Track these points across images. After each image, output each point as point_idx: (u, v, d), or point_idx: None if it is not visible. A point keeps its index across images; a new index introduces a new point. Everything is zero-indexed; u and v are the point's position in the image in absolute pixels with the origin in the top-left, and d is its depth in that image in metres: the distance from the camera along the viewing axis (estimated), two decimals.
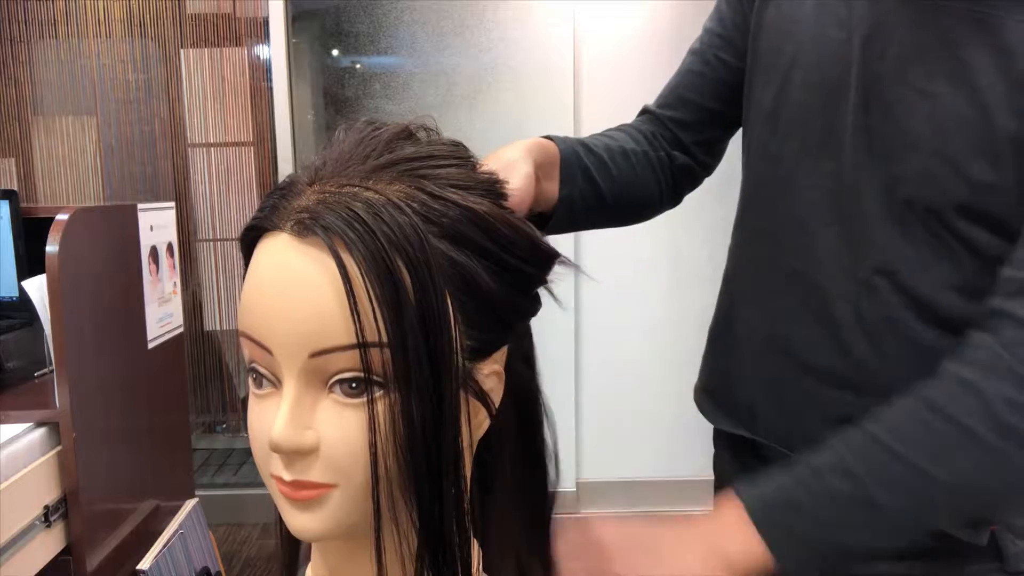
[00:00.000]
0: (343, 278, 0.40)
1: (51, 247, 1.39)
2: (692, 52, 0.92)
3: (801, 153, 0.76)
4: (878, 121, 0.70)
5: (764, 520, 0.63)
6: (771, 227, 0.80)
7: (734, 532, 0.63)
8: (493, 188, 0.48)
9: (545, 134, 0.80)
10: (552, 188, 0.76)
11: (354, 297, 0.40)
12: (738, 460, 0.89)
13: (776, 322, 0.79)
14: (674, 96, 0.92)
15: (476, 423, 0.46)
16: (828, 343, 0.75)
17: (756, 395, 0.83)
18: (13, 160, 2.79)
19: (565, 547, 0.61)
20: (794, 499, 0.63)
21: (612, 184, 0.83)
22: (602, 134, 0.90)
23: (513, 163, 0.68)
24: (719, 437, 0.94)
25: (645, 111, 0.95)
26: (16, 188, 2.77)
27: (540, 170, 0.71)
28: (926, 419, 0.62)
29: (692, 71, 0.91)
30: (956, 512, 0.66)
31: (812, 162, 0.75)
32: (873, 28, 0.70)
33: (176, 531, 1.64)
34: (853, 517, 0.62)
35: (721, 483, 0.94)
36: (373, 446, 0.41)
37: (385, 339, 0.41)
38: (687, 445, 2.72)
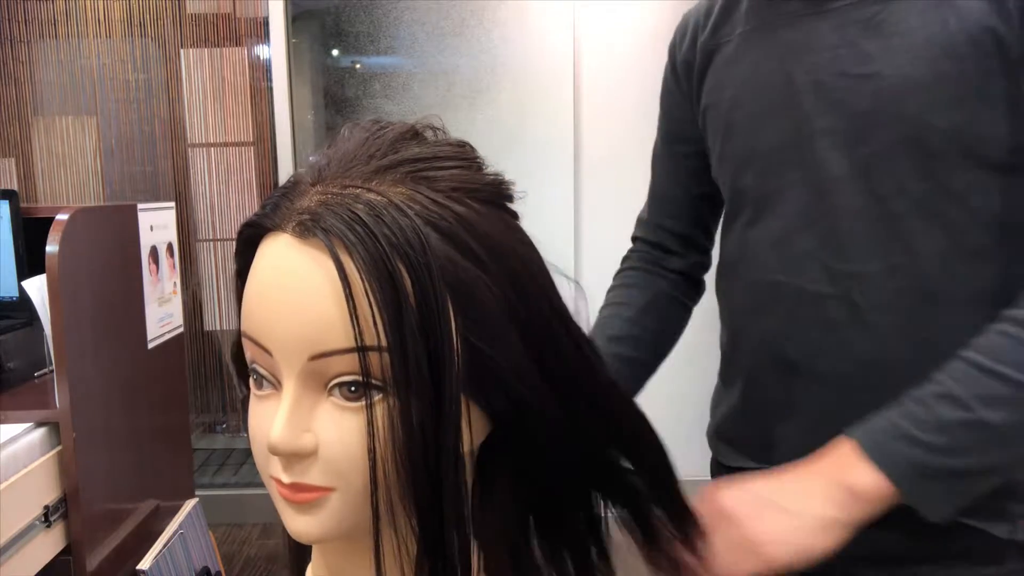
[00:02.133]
0: (343, 281, 0.40)
1: (51, 247, 1.39)
2: (655, 157, 0.99)
3: (764, 178, 0.79)
4: (834, 116, 0.73)
5: (879, 453, 0.64)
6: (744, 254, 0.83)
7: (853, 467, 0.64)
8: (499, 190, 0.48)
9: None
10: None
11: (354, 300, 0.40)
12: None
13: (775, 341, 0.80)
14: (656, 200, 0.98)
15: (477, 428, 0.45)
16: (828, 346, 0.75)
17: (770, 422, 0.82)
18: (13, 160, 2.79)
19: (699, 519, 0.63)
20: (905, 431, 0.64)
21: (651, 351, 0.91)
22: (615, 300, 0.95)
23: None
24: (724, 472, 0.92)
25: (639, 223, 1.00)
26: (16, 188, 2.77)
27: None
28: (1016, 334, 0.63)
29: (663, 171, 0.97)
30: None
31: (777, 180, 0.77)
32: (800, 47, 0.75)
33: (176, 531, 1.63)
34: (966, 440, 0.63)
35: None
36: (372, 450, 0.41)
37: (384, 343, 0.40)
38: (687, 445, 2.71)
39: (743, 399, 0.85)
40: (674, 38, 0.92)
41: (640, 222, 1.00)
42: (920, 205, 0.70)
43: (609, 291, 0.97)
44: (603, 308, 0.95)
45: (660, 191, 0.98)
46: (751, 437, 0.85)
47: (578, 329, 0.49)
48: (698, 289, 0.99)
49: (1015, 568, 0.72)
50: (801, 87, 0.75)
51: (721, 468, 0.92)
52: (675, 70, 0.92)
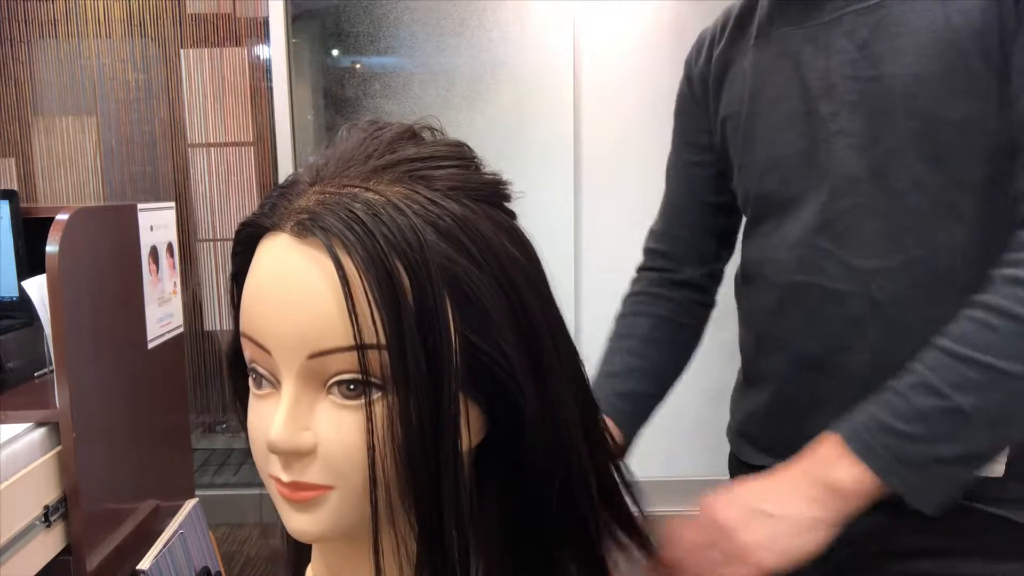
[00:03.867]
0: (341, 280, 0.40)
1: (51, 247, 1.39)
2: (669, 168, 0.99)
3: (786, 184, 0.81)
4: (849, 118, 0.75)
5: (861, 445, 0.65)
6: (767, 257, 0.84)
7: (836, 463, 0.65)
8: (497, 190, 0.48)
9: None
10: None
11: (352, 299, 0.40)
12: None
13: (799, 340, 0.81)
14: (672, 209, 0.99)
15: (475, 428, 0.45)
16: (853, 342, 0.76)
17: (797, 421, 0.82)
18: (13, 160, 2.79)
19: (695, 536, 0.67)
20: (886, 423, 0.65)
21: (655, 382, 0.93)
22: (620, 332, 0.96)
23: None
24: (746, 470, 0.92)
25: (651, 236, 1.01)
26: (16, 188, 2.77)
27: None
28: (989, 321, 0.64)
29: (677, 180, 0.98)
30: None
31: (799, 185, 0.79)
32: (812, 55, 0.77)
33: (176, 531, 1.63)
34: (944, 427, 0.64)
35: None
36: (371, 448, 0.41)
37: (383, 341, 0.40)
38: (687, 445, 2.72)
39: (769, 399, 0.86)
40: (690, 54, 0.95)
41: (652, 233, 1.01)
42: (936, 198, 0.71)
43: (616, 319, 0.98)
44: (609, 339, 0.96)
45: (674, 202, 0.99)
46: (776, 436, 0.86)
47: (567, 335, 0.49)
48: (709, 302, 1.00)
49: None
50: (816, 93, 0.77)
51: (743, 466, 0.93)
52: (691, 84, 0.94)
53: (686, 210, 0.97)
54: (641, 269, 1.01)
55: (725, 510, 0.67)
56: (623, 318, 0.98)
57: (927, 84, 0.70)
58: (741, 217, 0.95)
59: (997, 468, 0.71)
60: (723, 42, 0.88)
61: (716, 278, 1.00)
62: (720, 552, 0.66)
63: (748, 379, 0.92)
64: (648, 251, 1.01)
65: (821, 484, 0.65)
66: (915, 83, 0.71)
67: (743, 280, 0.91)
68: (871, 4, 0.74)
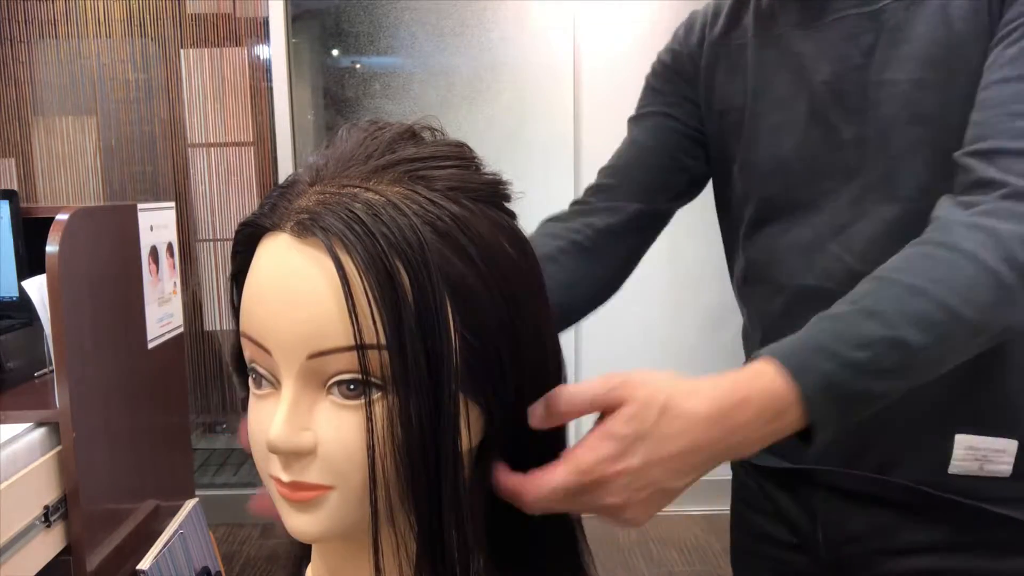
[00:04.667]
0: (341, 280, 0.40)
1: (51, 247, 1.39)
2: (636, 118, 0.93)
3: (795, 188, 0.80)
4: (860, 124, 0.74)
5: (799, 367, 0.55)
6: (775, 259, 0.83)
7: (764, 389, 0.54)
8: (496, 190, 0.48)
9: None
10: None
11: (352, 299, 0.40)
12: (772, 493, 0.88)
13: None
14: (634, 149, 0.91)
15: (475, 428, 0.45)
16: None
17: None
18: (13, 160, 2.79)
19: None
20: (828, 347, 0.56)
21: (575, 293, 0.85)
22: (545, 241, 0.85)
23: None
24: (756, 472, 0.90)
25: (605, 172, 0.92)
26: (16, 188, 2.77)
27: None
28: (955, 261, 0.59)
29: (646, 127, 0.91)
30: (974, 347, 0.62)
31: (809, 190, 0.79)
32: (814, 57, 0.77)
33: (176, 531, 1.63)
34: (887, 360, 0.57)
35: (743, 509, 0.94)
36: (371, 448, 0.41)
37: (383, 341, 0.40)
38: None
39: None
40: (678, 31, 0.92)
41: (595, 182, 0.91)
42: None
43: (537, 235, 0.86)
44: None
45: (632, 147, 0.91)
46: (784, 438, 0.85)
47: (556, 339, 0.50)
48: (640, 240, 0.91)
49: None
50: (824, 98, 0.77)
51: (744, 467, 0.92)
52: (679, 58, 0.90)
53: (646, 154, 0.90)
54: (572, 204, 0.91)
55: (623, 471, 0.50)
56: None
57: (930, 90, 0.71)
58: (698, 189, 0.92)
59: (1003, 468, 0.71)
60: (717, 29, 0.87)
61: (656, 227, 0.91)
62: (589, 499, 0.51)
63: None
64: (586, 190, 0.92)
65: (739, 416, 0.53)
66: (918, 90, 0.71)
67: (746, 280, 0.90)
68: (873, 8, 0.74)
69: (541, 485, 0.48)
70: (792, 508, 0.84)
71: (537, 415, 0.48)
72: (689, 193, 0.93)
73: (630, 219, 0.88)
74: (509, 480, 0.49)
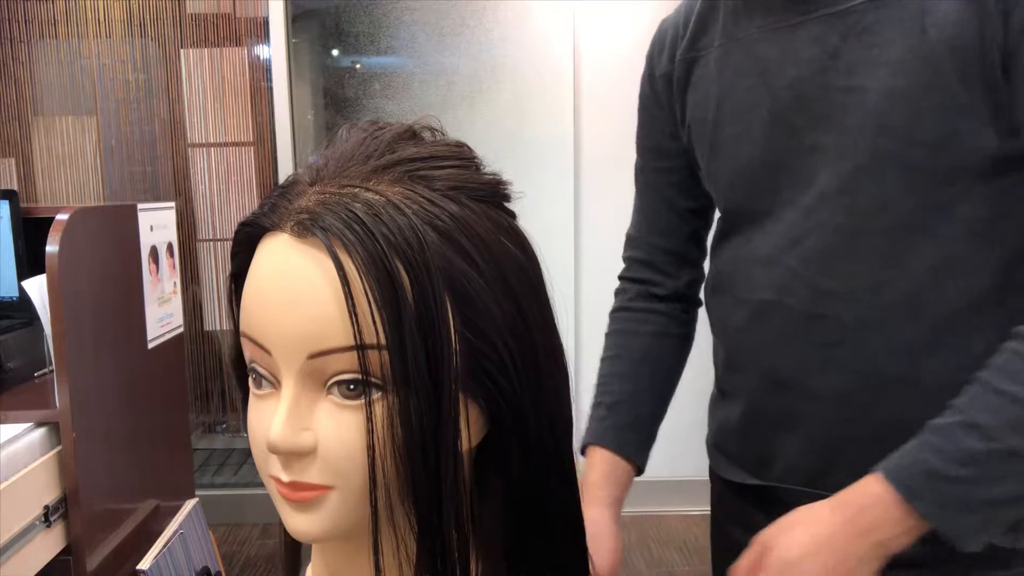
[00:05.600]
0: (341, 280, 0.40)
1: (51, 247, 1.39)
2: (638, 171, 0.97)
3: (755, 198, 0.79)
4: (822, 131, 0.72)
5: (908, 492, 0.62)
6: (737, 271, 0.82)
7: (883, 514, 0.64)
8: (496, 190, 0.48)
9: (602, 442, 0.90)
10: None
11: (352, 299, 0.40)
12: (744, 499, 0.88)
13: (768, 358, 0.79)
14: (645, 217, 0.96)
15: (475, 428, 0.45)
16: (820, 363, 0.74)
17: (767, 439, 0.81)
18: (13, 160, 2.79)
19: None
20: (932, 467, 0.62)
21: (654, 400, 0.93)
22: (611, 353, 0.96)
23: (597, 537, 0.78)
24: (729, 487, 0.92)
25: (629, 243, 0.99)
26: (16, 188, 2.77)
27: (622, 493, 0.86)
28: None
29: (647, 185, 0.95)
30: None
31: (769, 199, 0.77)
32: (779, 61, 0.74)
33: (176, 531, 1.63)
34: (996, 471, 0.62)
35: (722, 521, 0.95)
36: (371, 448, 0.41)
37: (383, 341, 0.40)
38: (687, 445, 2.71)
39: (740, 415, 0.84)
40: (651, 49, 0.92)
41: (629, 239, 0.98)
42: (906, 219, 0.69)
43: (607, 336, 0.97)
44: (602, 360, 0.95)
45: (647, 207, 0.96)
46: (749, 453, 0.85)
47: (558, 338, 0.50)
48: (695, 303, 0.98)
49: (1021, 572, 0.71)
50: (786, 103, 0.74)
51: (719, 480, 0.92)
52: (653, 83, 0.91)
53: (659, 216, 0.95)
54: (623, 279, 0.99)
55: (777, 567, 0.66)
56: (614, 336, 0.96)
57: (901, 101, 0.67)
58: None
59: None
60: (686, 39, 0.85)
61: (699, 280, 0.97)
62: None
63: (720, 391, 0.91)
64: (628, 260, 0.99)
65: (869, 541, 0.63)
66: (888, 99, 0.67)
67: (713, 291, 0.89)
68: (841, 9, 0.70)
69: None
70: (765, 524, 0.84)
71: None
72: (711, 221, 0.95)
73: (680, 288, 0.96)
74: None
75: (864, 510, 0.64)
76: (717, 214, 0.88)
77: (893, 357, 0.70)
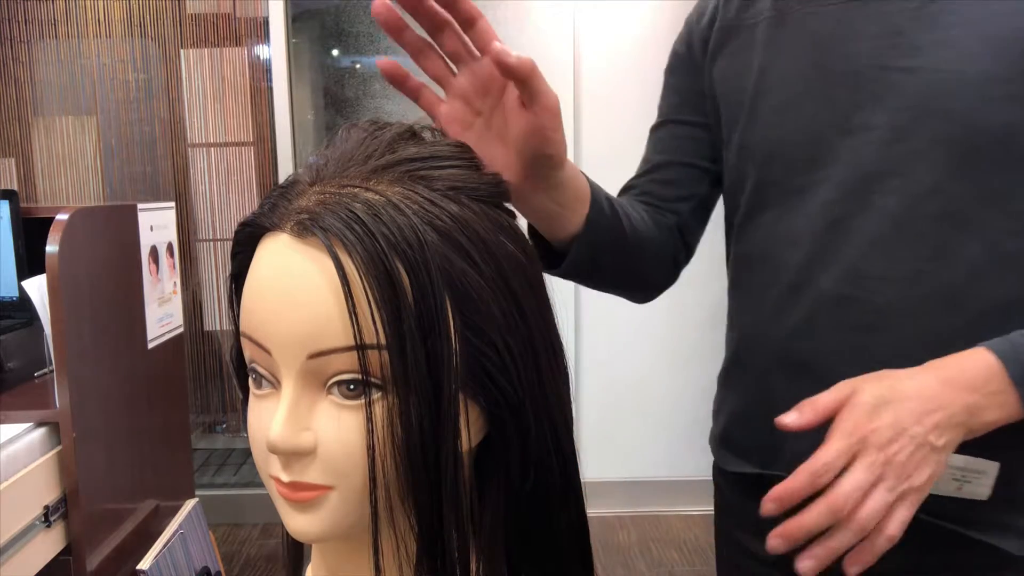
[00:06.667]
0: (341, 280, 0.40)
1: (51, 247, 1.39)
2: (653, 128, 0.92)
3: (790, 173, 0.76)
4: (873, 110, 0.70)
5: (1019, 372, 0.61)
6: (767, 251, 0.79)
7: (985, 380, 0.61)
8: (497, 190, 0.48)
9: None
10: (576, 211, 0.71)
11: (352, 299, 0.40)
12: (752, 499, 0.85)
13: (792, 341, 0.76)
14: (649, 164, 0.90)
15: (475, 428, 0.45)
16: (846, 348, 0.72)
17: (775, 429, 0.76)
18: (13, 160, 2.79)
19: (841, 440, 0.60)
20: None
21: (632, 228, 0.79)
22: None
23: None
24: (729, 480, 0.89)
25: (625, 188, 0.91)
26: (16, 188, 2.77)
27: (573, 171, 0.68)
28: None
29: (661, 139, 0.90)
30: None
31: (805, 176, 0.74)
32: (834, 35, 0.72)
33: (176, 531, 1.63)
34: None
35: (726, 525, 0.91)
36: (371, 448, 0.41)
37: (383, 341, 0.40)
38: (687, 445, 2.72)
39: (748, 401, 0.83)
40: (691, 14, 0.89)
41: (625, 189, 0.91)
42: (957, 208, 0.67)
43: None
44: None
45: (657, 159, 0.90)
46: (755, 441, 0.82)
47: (558, 338, 0.50)
48: (676, 259, 0.89)
49: None
50: (837, 78, 0.71)
51: (723, 474, 0.90)
52: (691, 45, 0.87)
53: (669, 166, 0.88)
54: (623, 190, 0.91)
55: (879, 426, 0.60)
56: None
57: (967, 86, 0.65)
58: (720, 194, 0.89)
59: (982, 491, 0.68)
60: (732, 9, 0.82)
61: (689, 245, 0.90)
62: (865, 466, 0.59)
63: (728, 380, 0.88)
64: (625, 187, 0.91)
65: (964, 401, 0.61)
66: (957, 83, 0.66)
67: (737, 270, 0.85)
68: None
69: (815, 459, 0.59)
70: (770, 525, 0.81)
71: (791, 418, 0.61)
72: (716, 193, 0.90)
73: (673, 224, 0.87)
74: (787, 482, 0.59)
75: (965, 371, 0.62)
76: (744, 195, 0.82)
77: (924, 349, 0.67)
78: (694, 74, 0.87)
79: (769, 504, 0.61)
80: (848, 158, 0.71)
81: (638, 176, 0.91)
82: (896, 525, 0.59)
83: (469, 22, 0.57)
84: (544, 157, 0.60)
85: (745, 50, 0.79)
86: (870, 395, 0.61)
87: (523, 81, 0.54)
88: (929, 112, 0.67)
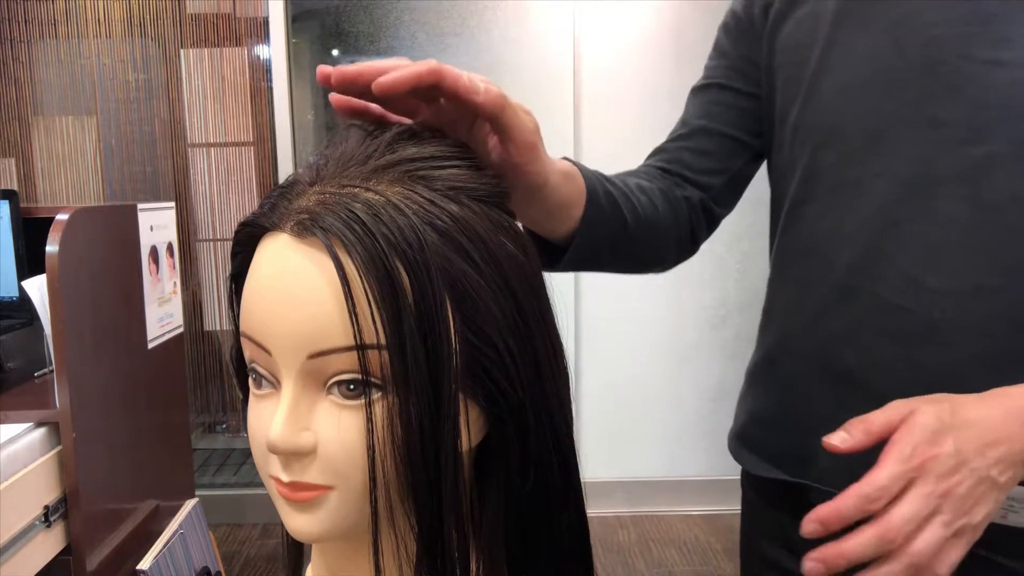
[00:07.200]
0: (341, 280, 0.40)
1: (51, 247, 1.39)
2: (697, 89, 0.86)
3: (845, 163, 0.70)
4: (950, 104, 0.64)
5: None
6: (814, 246, 0.73)
7: None
8: (496, 190, 0.48)
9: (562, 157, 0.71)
10: (570, 213, 0.68)
11: (352, 299, 0.40)
12: (780, 509, 0.79)
13: (835, 347, 0.71)
14: (687, 128, 0.85)
15: (475, 427, 0.45)
16: (893, 361, 0.67)
17: (810, 434, 0.70)
18: (13, 160, 2.79)
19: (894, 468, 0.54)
20: None
21: (635, 215, 0.74)
22: (615, 174, 0.81)
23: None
24: (754, 484, 0.84)
25: (657, 151, 0.87)
26: (16, 188, 2.77)
27: (561, 179, 0.64)
28: None
29: (703, 102, 0.84)
30: None
31: (860, 168, 0.69)
32: (915, 17, 0.65)
33: (176, 531, 1.63)
34: None
35: (752, 532, 0.86)
36: (371, 448, 0.41)
37: (383, 341, 0.40)
38: (687, 445, 2.72)
39: (777, 402, 0.78)
40: None
41: (657, 152, 0.86)
42: None
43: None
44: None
45: (696, 123, 0.83)
46: (785, 448, 0.77)
47: (559, 336, 0.50)
48: (695, 235, 0.84)
49: None
50: (913, 65, 0.64)
51: (748, 478, 0.85)
52: (750, 10, 0.80)
53: (708, 134, 0.82)
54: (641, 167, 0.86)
55: (940, 453, 0.54)
56: (623, 173, 0.83)
57: None
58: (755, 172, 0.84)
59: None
60: None
61: (714, 220, 0.85)
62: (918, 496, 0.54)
63: (758, 379, 0.83)
64: (656, 150, 0.86)
65: None
66: None
67: (779, 265, 0.80)
68: None
69: (868, 482, 0.53)
70: (800, 537, 0.71)
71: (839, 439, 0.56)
72: (753, 169, 0.85)
73: (695, 199, 0.82)
74: (835, 504, 0.53)
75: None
76: (794, 181, 0.76)
77: (982, 369, 0.63)
78: (750, 38, 0.80)
79: (811, 525, 0.55)
80: (912, 153, 0.65)
81: (672, 139, 0.85)
82: (946, 566, 0.53)
83: (431, 89, 0.49)
84: (521, 185, 0.57)
85: (811, 20, 0.72)
86: (932, 417, 0.55)
87: (493, 119, 0.50)
88: (1013, 112, 0.61)
